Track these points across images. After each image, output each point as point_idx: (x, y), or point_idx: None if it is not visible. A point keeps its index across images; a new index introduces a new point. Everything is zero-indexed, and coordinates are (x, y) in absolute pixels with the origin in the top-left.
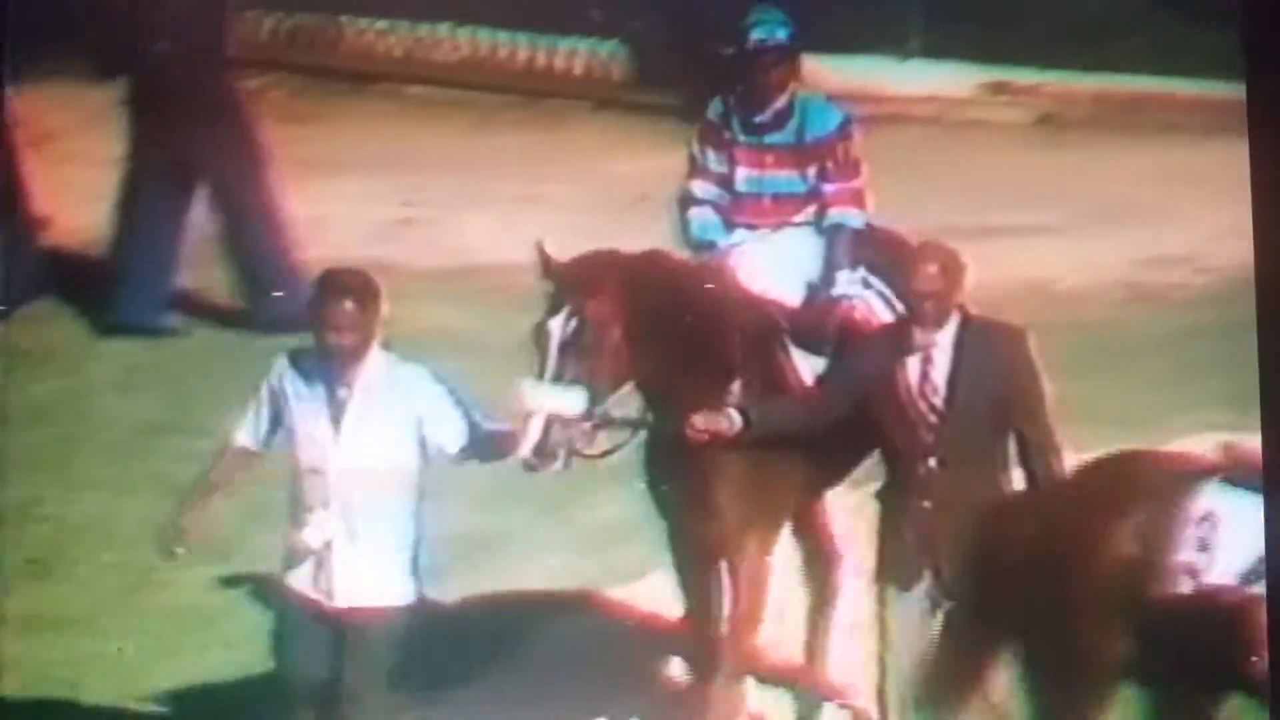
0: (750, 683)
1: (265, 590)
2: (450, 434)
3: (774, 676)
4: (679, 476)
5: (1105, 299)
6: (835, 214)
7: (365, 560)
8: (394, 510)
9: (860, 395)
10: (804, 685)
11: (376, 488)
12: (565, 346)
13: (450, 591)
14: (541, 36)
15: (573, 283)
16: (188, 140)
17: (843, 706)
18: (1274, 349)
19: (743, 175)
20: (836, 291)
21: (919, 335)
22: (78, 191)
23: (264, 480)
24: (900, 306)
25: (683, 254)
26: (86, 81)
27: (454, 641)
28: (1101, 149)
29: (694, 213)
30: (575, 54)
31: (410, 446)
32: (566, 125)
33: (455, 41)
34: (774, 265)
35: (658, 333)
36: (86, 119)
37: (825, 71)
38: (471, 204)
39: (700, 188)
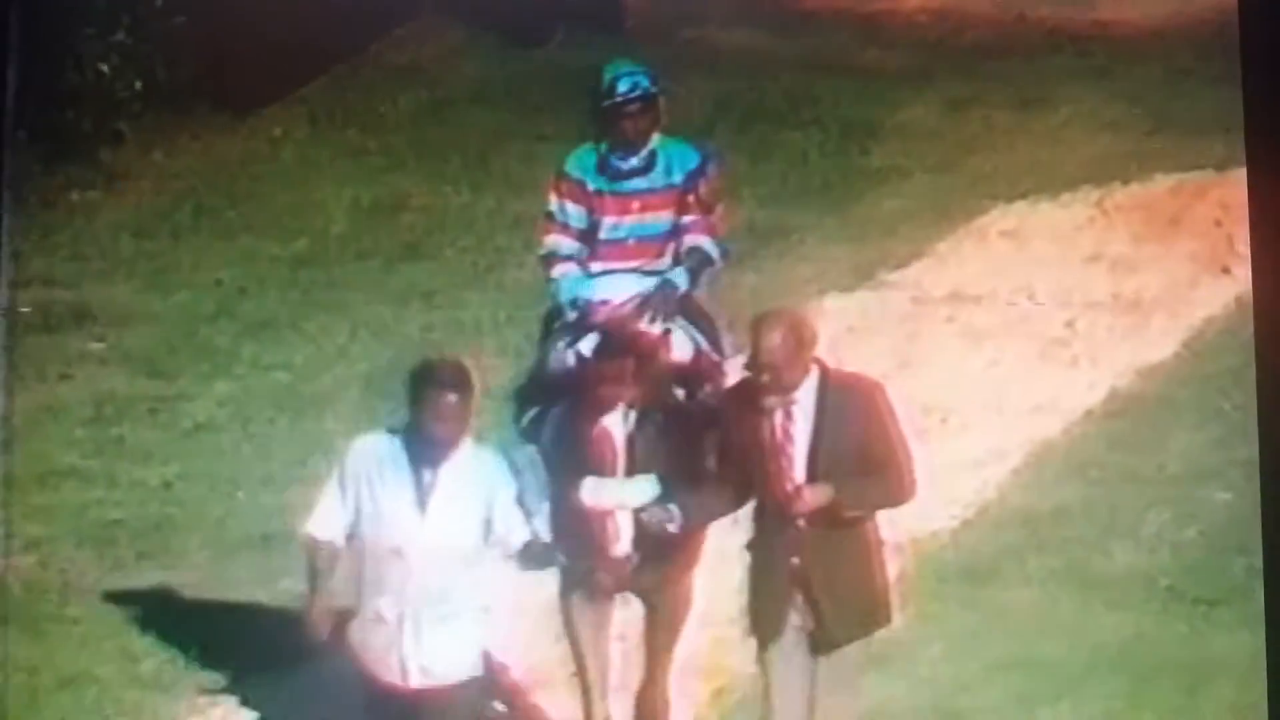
0: None
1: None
2: (510, 537)
3: None
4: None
5: None
6: (690, 239)
7: (440, 637)
8: (467, 587)
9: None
10: None
11: (454, 566)
12: (631, 440)
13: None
14: None
15: (615, 376)
16: None
17: None
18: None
19: (608, 223)
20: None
21: (768, 400)
22: None
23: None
24: (716, 355)
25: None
26: None
27: None
28: None
29: (559, 271)
30: None
31: (481, 527)
32: None
33: None
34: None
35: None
36: None
37: None
38: None
39: (563, 244)
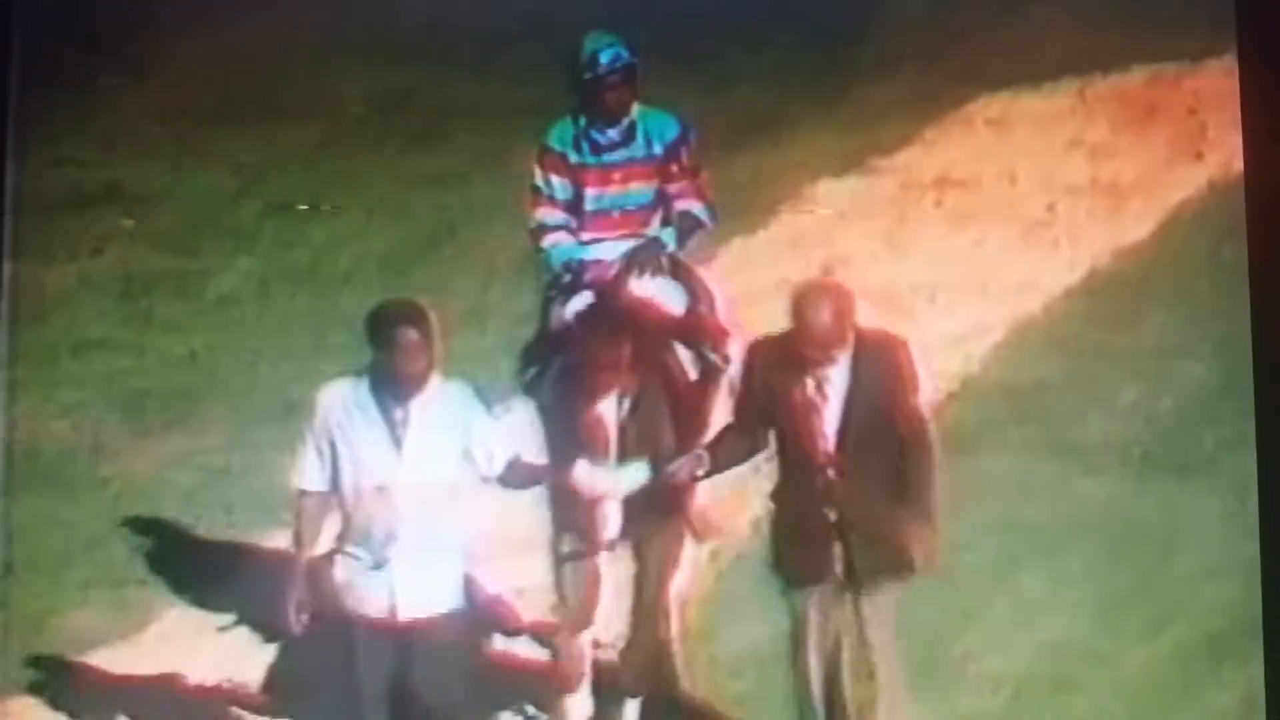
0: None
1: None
2: (493, 456)
3: None
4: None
5: None
6: (680, 205)
7: (425, 571)
8: (449, 519)
9: (771, 416)
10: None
11: (435, 500)
12: (624, 427)
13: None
14: None
15: (610, 362)
16: None
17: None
18: None
19: (591, 195)
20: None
21: (817, 372)
22: None
23: None
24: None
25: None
26: None
27: None
28: None
29: (549, 240)
30: None
31: (459, 458)
32: None
33: None
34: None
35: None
36: None
37: None
38: None
39: (550, 215)
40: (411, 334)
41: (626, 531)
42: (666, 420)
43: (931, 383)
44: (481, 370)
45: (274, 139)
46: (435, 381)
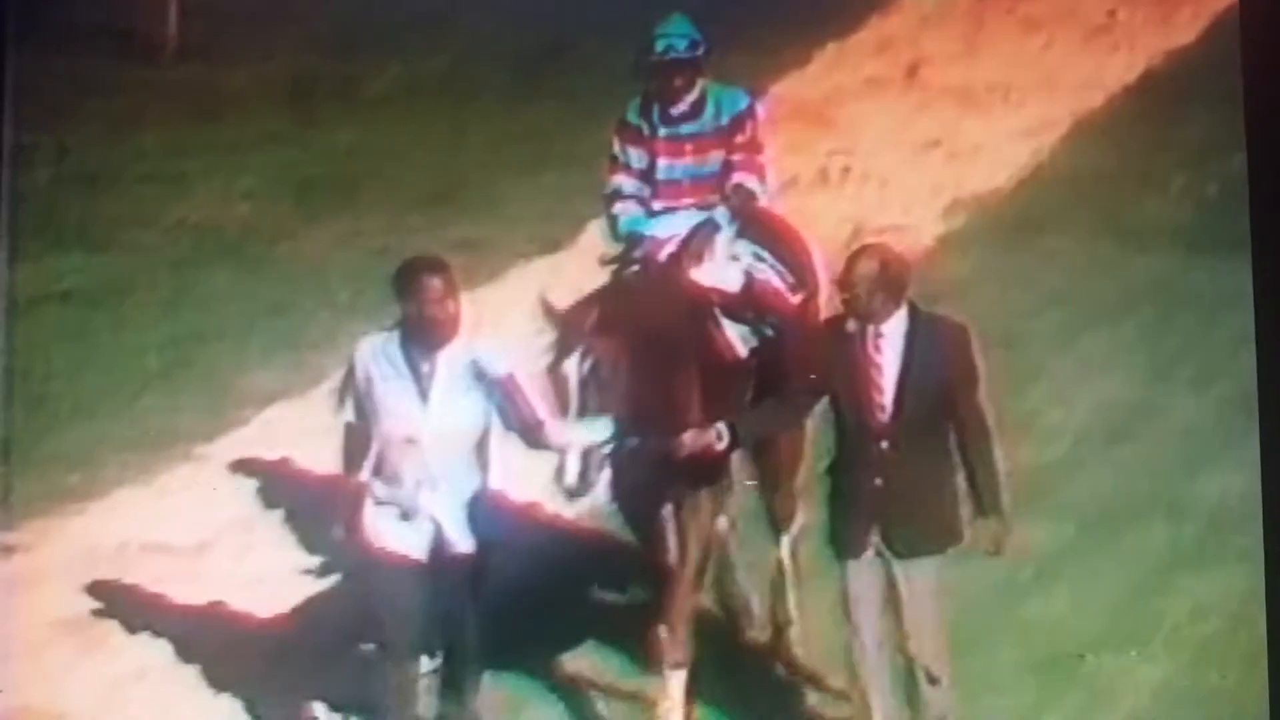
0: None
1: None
2: (504, 407)
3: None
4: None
5: None
6: (738, 177)
7: (454, 512)
8: (473, 465)
9: (823, 390)
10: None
11: (461, 449)
12: (584, 384)
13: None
14: None
15: (578, 325)
16: None
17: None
18: None
19: (663, 164)
20: (738, 259)
21: (853, 323)
22: None
23: None
24: (791, 279)
25: (612, 246)
26: None
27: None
28: None
29: (619, 208)
30: None
31: (484, 409)
32: None
33: None
34: (712, 258)
35: (648, 355)
36: None
37: None
38: None
39: (625, 183)
40: (434, 281)
41: (665, 496)
42: (625, 383)
43: (1004, 172)
44: (572, 202)
45: None
46: (462, 339)
